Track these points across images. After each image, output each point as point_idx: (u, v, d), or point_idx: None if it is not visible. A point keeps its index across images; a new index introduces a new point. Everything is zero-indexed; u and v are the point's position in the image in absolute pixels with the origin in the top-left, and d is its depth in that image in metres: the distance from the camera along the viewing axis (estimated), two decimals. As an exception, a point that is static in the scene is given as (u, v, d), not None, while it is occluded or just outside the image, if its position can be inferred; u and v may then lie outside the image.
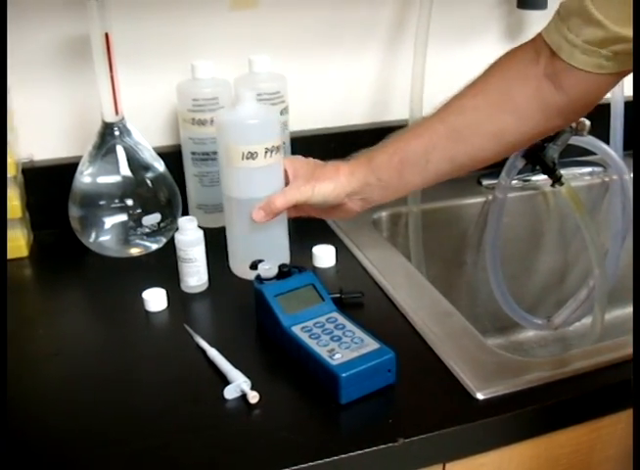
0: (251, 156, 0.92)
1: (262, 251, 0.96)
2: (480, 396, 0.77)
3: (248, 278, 0.95)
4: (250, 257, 0.94)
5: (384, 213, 1.23)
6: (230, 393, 0.77)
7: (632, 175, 1.30)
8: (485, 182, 1.31)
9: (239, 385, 0.77)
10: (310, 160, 1.00)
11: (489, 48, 1.34)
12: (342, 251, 1.07)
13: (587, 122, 1.16)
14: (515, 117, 0.87)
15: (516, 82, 0.87)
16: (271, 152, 0.93)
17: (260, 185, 0.95)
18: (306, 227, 1.18)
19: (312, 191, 0.94)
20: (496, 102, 0.88)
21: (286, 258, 1.02)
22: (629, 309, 1.47)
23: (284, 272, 0.90)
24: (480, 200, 1.30)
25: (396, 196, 0.99)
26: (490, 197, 1.28)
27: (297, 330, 0.82)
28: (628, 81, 1.29)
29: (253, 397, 0.76)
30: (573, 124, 1.12)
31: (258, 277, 0.89)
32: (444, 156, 0.91)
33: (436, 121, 0.91)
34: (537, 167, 1.26)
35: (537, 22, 1.34)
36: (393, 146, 0.94)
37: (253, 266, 0.91)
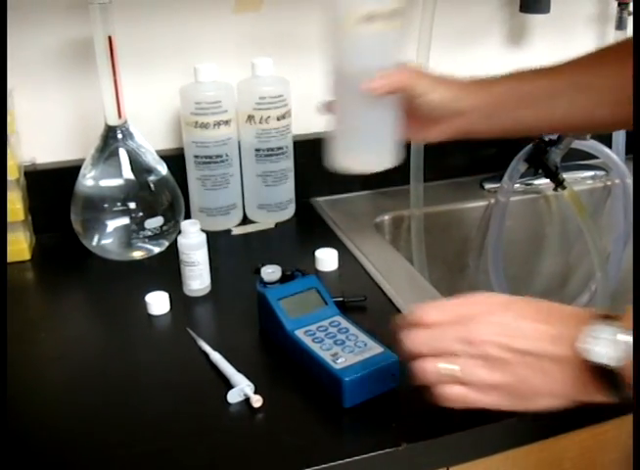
0: (367, 20, 0.81)
1: (369, 138, 0.89)
2: (483, 400, 0.77)
3: (354, 171, 0.92)
4: (355, 145, 0.89)
5: (386, 217, 1.23)
6: (233, 397, 0.77)
7: (632, 178, 1.30)
8: (488, 186, 1.31)
9: (242, 389, 0.77)
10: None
11: (492, 52, 1.35)
12: (344, 254, 1.07)
13: (590, 126, 1.16)
14: None
15: None
16: (391, 17, 0.83)
17: (378, 55, 0.85)
18: (309, 231, 1.18)
19: (433, 87, 0.88)
20: None
21: (391, 159, 0.93)
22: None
23: (287, 276, 0.90)
24: (482, 203, 1.30)
25: (498, 135, 0.94)
26: (493, 200, 1.28)
27: (300, 334, 0.82)
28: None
29: (257, 401, 0.76)
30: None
31: (261, 281, 0.89)
32: (567, 105, 0.88)
33: (568, 71, 0.89)
34: (540, 171, 1.26)
35: (540, 25, 1.35)
36: (518, 81, 0.91)
37: (257, 271, 0.90)
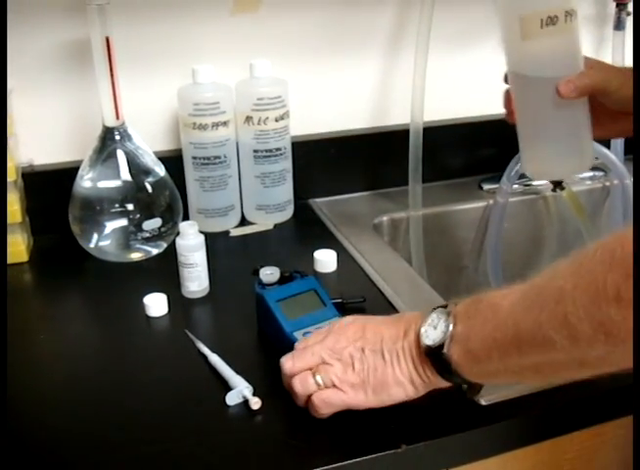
0: (551, 21, 0.77)
1: (566, 143, 0.86)
2: (483, 401, 0.77)
3: (553, 177, 0.97)
4: (552, 152, 0.86)
5: (385, 218, 1.23)
6: (232, 399, 0.77)
7: (633, 178, 1.30)
8: (486, 187, 1.31)
9: (241, 391, 0.77)
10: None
11: (490, 53, 1.34)
12: (343, 255, 1.07)
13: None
14: None
15: None
16: (571, 16, 0.79)
17: (564, 58, 0.82)
18: (307, 232, 1.18)
19: (623, 81, 0.84)
20: None
21: (589, 160, 0.89)
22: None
23: (285, 277, 0.89)
24: (481, 204, 1.30)
25: None
26: (491, 201, 1.28)
27: (298, 335, 0.82)
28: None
29: (256, 403, 0.75)
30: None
31: (260, 282, 0.89)
32: None
33: None
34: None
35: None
36: None
37: (255, 272, 0.90)
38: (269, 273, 0.89)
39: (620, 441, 0.88)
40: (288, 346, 0.81)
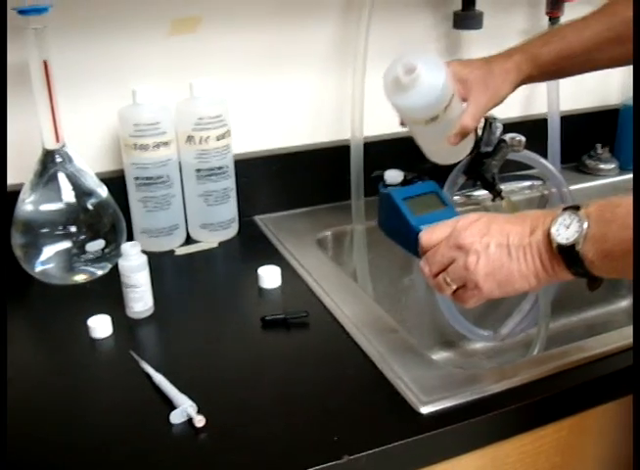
0: (432, 120, 0.95)
1: (457, 148, 1.04)
2: (423, 410, 0.78)
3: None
4: (448, 154, 1.08)
5: (328, 233, 1.24)
6: (176, 417, 0.77)
7: (633, 178, 1.33)
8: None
9: (185, 409, 0.77)
10: (470, 63, 1.03)
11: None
12: (287, 271, 1.08)
13: (523, 139, 1.19)
14: None
15: None
16: (449, 104, 0.95)
17: (447, 125, 0.97)
18: (252, 248, 1.19)
19: (494, 99, 1.00)
20: None
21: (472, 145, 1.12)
22: (573, 318, 1.51)
23: (408, 180, 0.96)
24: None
25: (551, 80, 1.11)
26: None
27: (425, 229, 0.86)
28: (564, 96, 1.33)
29: (199, 420, 0.76)
30: (509, 140, 1.14)
31: (384, 183, 0.95)
32: (606, 57, 1.00)
33: (601, 25, 0.99)
34: (478, 183, 1.28)
35: (474, 41, 1.38)
36: (558, 44, 1.01)
37: (375, 178, 0.98)
38: (394, 175, 0.95)
39: (562, 442, 0.90)
40: (414, 238, 0.85)
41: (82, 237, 1.04)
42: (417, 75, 0.91)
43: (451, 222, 0.80)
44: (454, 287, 0.79)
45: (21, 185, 1.06)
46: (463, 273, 0.77)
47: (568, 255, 0.70)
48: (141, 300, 0.97)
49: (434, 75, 0.93)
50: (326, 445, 0.74)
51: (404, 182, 0.97)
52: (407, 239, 0.90)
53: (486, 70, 1.00)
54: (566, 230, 0.70)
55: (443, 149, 1.04)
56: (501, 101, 1.01)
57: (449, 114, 0.96)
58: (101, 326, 0.94)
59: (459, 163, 1.27)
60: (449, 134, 0.98)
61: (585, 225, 0.69)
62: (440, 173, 1.29)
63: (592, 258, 0.69)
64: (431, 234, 0.82)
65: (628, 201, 0.67)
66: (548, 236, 0.72)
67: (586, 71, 1.06)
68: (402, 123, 1.04)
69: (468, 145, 1.11)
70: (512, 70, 1.01)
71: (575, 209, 0.71)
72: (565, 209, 0.72)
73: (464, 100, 1.00)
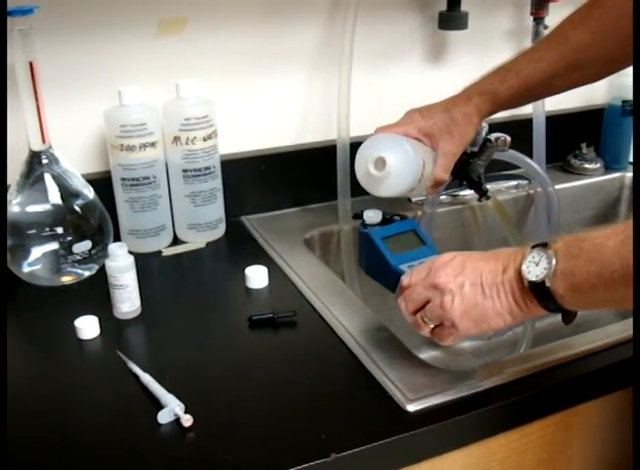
0: (410, 191, 1.02)
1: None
2: (410, 408, 0.79)
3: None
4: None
5: (316, 233, 1.25)
6: (164, 417, 0.77)
7: (633, 178, 1.34)
8: (414, 198, 1.34)
9: (172, 409, 0.77)
10: (431, 113, 1.04)
11: (414, 68, 1.38)
12: (274, 271, 1.08)
13: (508, 138, 1.19)
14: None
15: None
16: (422, 175, 1.00)
17: (423, 184, 1.02)
18: (239, 248, 1.19)
19: (461, 143, 1.03)
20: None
21: None
22: (558, 317, 1.51)
23: (387, 219, 0.98)
24: (409, 215, 1.32)
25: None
26: (420, 212, 1.31)
27: (404, 268, 0.89)
28: (549, 98, 1.34)
29: (187, 420, 0.76)
30: (494, 140, 1.15)
31: (363, 223, 0.98)
32: (564, 82, 1.04)
33: (554, 54, 1.01)
34: (464, 183, 1.29)
35: (459, 41, 1.39)
36: (515, 80, 1.02)
37: (356, 216, 1.00)
38: (372, 215, 0.98)
39: (548, 439, 0.91)
40: (394, 278, 0.88)
41: (69, 238, 1.04)
42: (388, 169, 0.97)
43: (429, 263, 0.83)
44: (432, 326, 0.81)
45: (7, 187, 1.06)
46: (439, 312, 0.79)
47: (539, 291, 0.73)
48: (128, 300, 0.97)
49: (404, 163, 0.98)
50: (313, 443, 0.74)
51: (383, 221, 0.99)
52: (387, 278, 0.92)
53: (448, 119, 1.02)
54: (535, 267, 0.72)
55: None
56: (468, 143, 1.05)
57: (423, 180, 1.01)
58: (88, 327, 0.94)
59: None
60: (426, 187, 1.03)
61: (554, 262, 0.71)
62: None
63: (562, 293, 0.71)
64: (411, 275, 0.85)
65: (594, 235, 0.70)
66: (519, 273, 0.74)
67: (546, 97, 1.12)
68: None
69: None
70: (473, 114, 1.03)
71: (544, 246, 0.73)
72: (534, 246, 0.74)
73: (433, 149, 1.03)
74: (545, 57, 1.01)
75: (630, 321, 0.72)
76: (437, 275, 0.79)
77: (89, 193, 1.08)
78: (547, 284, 0.71)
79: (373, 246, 0.95)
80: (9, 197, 1.05)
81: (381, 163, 0.97)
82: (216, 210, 1.20)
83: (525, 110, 1.44)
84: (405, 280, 0.85)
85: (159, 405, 0.79)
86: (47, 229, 1.04)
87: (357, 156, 1.02)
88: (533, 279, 0.72)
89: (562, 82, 1.03)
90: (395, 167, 0.97)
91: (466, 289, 0.77)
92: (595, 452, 0.99)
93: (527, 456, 0.90)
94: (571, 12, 1.03)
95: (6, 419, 0.72)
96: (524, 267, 0.73)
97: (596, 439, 0.97)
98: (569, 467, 0.97)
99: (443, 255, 0.82)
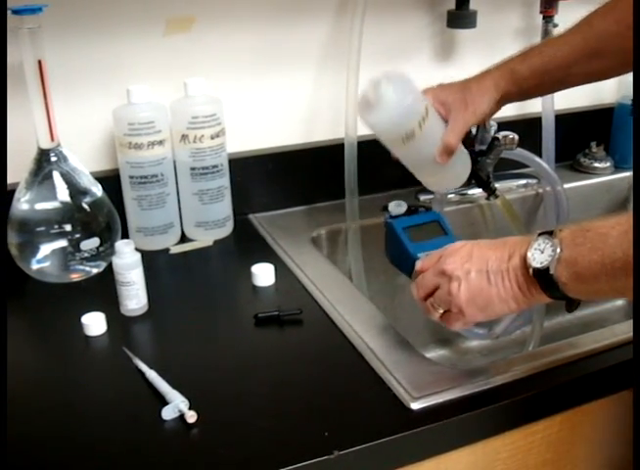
0: (408, 136, 0.96)
1: (451, 174, 1.07)
2: (414, 406, 0.79)
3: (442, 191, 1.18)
4: (442, 180, 1.08)
5: (323, 231, 1.25)
6: (168, 413, 0.78)
7: (633, 178, 1.33)
8: (422, 197, 1.34)
9: (177, 405, 0.78)
10: (449, 85, 1.04)
11: (422, 67, 1.38)
12: (281, 269, 1.09)
13: (517, 137, 1.19)
14: None
15: None
16: (424, 119, 0.96)
17: (428, 143, 0.99)
18: (247, 247, 1.19)
19: (474, 114, 1.01)
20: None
21: (469, 169, 1.10)
22: (568, 316, 1.51)
23: (411, 210, 1.01)
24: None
25: (530, 98, 1.14)
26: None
27: (422, 256, 0.91)
28: (558, 95, 1.34)
29: (191, 416, 0.77)
30: (502, 138, 1.15)
31: (389, 214, 1.01)
32: (583, 70, 1.01)
33: (578, 38, 1.00)
34: (472, 181, 1.29)
35: (468, 40, 1.39)
36: (537, 60, 1.01)
37: (384, 208, 1.02)
38: (397, 207, 1.01)
39: (553, 438, 0.90)
40: (411, 264, 0.91)
41: (77, 235, 1.05)
42: (382, 91, 0.94)
43: (441, 250, 0.85)
44: (441, 311, 0.83)
45: (16, 184, 1.07)
46: (447, 298, 0.81)
47: (543, 278, 0.73)
48: (135, 297, 0.97)
49: (399, 89, 0.95)
50: (317, 440, 0.75)
51: (408, 212, 1.02)
52: (406, 265, 0.94)
53: (465, 90, 1.02)
54: (540, 254, 0.74)
55: (438, 175, 1.07)
56: (482, 118, 1.03)
57: (427, 131, 0.98)
58: (95, 324, 0.94)
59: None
60: (435, 154, 1.00)
61: (558, 250, 0.72)
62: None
63: (565, 281, 0.72)
64: (424, 261, 0.87)
65: (598, 225, 0.71)
66: (524, 260, 0.75)
67: (564, 88, 1.08)
68: (395, 160, 1.04)
69: (463, 172, 1.11)
70: (490, 87, 1.02)
71: (550, 234, 0.74)
72: (540, 234, 0.75)
73: (446, 121, 1.02)
74: (569, 41, 1.01)
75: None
76: (446, 262, 0.81)
77: (97, 191, 1.09)
78: (551, 271, 0.72)
79: (394, 234, 0.98)
80: (17, 194, 1.06)
81: (378, 86, 0.95)
82: (224, 208, 1.21)
83: (535, 108, 1.44)
84: (418, 265, 0.88)
85: (163, 401, 0.79)
86: (55, 226, 1.04)
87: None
88: (537, 266, 0.73)
89: (581, 70, 1.02)
90: (389, 92, 0.94)
91: (472, 276, 0.79)
92: (601, 452, 0.98)
93: (532, 455, 0.90)
94: (580, 10, 1.02)
95: (6, 418, 0.72)
96: (529, 254, 0.75)
97: (602, 438, 0.97)
98: (574, 466, 0.97)
99: (455, 243, 0.84)
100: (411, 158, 1.02)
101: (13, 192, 1.06)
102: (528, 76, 1.02)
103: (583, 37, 1.00)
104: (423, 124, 0.96)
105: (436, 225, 1.01)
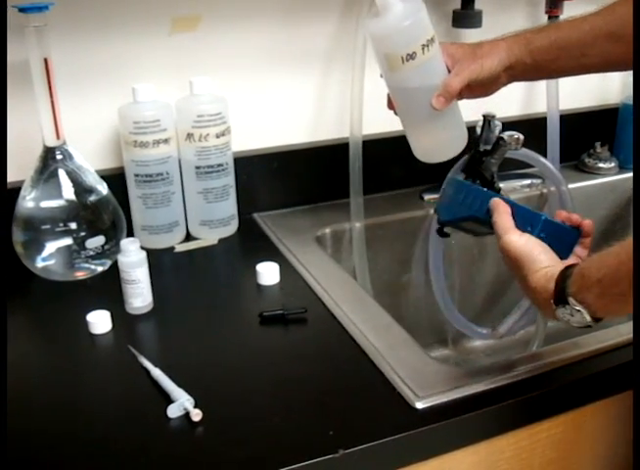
0: (410, 57, 0.92)
1: (445, 137, 1.03)
2: (418, 405, 0.79)
3: (434, 161, 1.05)
4: (435, 144, 1.04)
5: (327, 230, 1.25)
6: (173, 411, 0.78)
7: (633, 179, 1.33)
8: (427, 197, 1.34)
9: (182, 403, 0.78)
10: (460, 43, 1.02)
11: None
12: (285, 268, 1.09)
13: (521, 137, 1.19)
14: None
15: None
16: (428, 46, 0.93)
17: (427, 78, 0.95)
18: (252, 246, 1.20)
19: (481, 68, 0.97)
20: None
21: (465, 140, 1.06)
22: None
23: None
24: (422, 214, 1.33)
25: (544, 78, 1.10)
26: (432, 211, 1.31)
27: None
28: (563, 95, 1.34)
29: (196, 414, 0.77)
30: (507, 138, 1.15)
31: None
32: (600, 53, 0.98)
33: (599, 20, 0.97)
34: (477, 181, 1.28)
35: (473, 39, 1.37)
36: (554, 33, 0.99)
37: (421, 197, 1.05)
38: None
39: (557, 438, 0.90)
40: (486, 206, 0.90)
41: (83, 234, 1.05)
42: (393, 1, 0.91)
43: (530, 244, 0.85)
44: None
45: (21, 182, 1.07)
46: None
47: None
48: (140, 295, 0.98)
49: (410, 5, 0.92)
50: (321, 439, 0.75)
51: None
52: (480, 209, 0.92)
53: (476, 47, 1.00)
54: (572, 318, 0.76)
55: (431, 134, 1.03)
56: (489, 75, 0.98)
57: (428, 64, 0.94)
58: (100, 322, 0.94)
59: (457, 161, 1.28)
60: (433, 97, 0.96)
61: (585, 312, 0.75)
62: (439, 172, 1.30)
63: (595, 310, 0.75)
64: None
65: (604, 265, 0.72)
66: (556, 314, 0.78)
67: (579, 71, 1.05)
68: (391, 107, 1.02)
69: (458, 139, 1.07)
70: (502, 48, 0.99)
71: (565, 303, 0.76)
72: (557, 302, 0.76)
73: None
74: (589, 20, 0.99)
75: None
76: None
77: (103, 189, 1.09)
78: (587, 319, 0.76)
79: (462, 187, 0.98)
80: (23, 192, 1.06)
81: None
82: (229, 206, 1.21)
83: (540, 108, 1.44)
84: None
85: (168, 400, 0.79)
86: (61, 224, 1.05)
87: None
88: (576, 325, 0.77)
89: (598, 51, 0.99)
90: (400, 6, 0.91)
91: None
92: (605, 451, 0.98)
93: (537, 455, 0.90)
94: (585, 10, 1.02)
95: (6, 416, 0.72)
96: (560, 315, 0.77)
97: (606, 438, 0.97)
98: (578, 466, 0.97)
99: (531, 242, 0.85)
100: (407, 95, 0.98)
101: (18, 190, 1.06)
102: (543, 48, 0.99)
103: (604, 20, 0.98)
104: (426, 50, 0.93)
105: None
